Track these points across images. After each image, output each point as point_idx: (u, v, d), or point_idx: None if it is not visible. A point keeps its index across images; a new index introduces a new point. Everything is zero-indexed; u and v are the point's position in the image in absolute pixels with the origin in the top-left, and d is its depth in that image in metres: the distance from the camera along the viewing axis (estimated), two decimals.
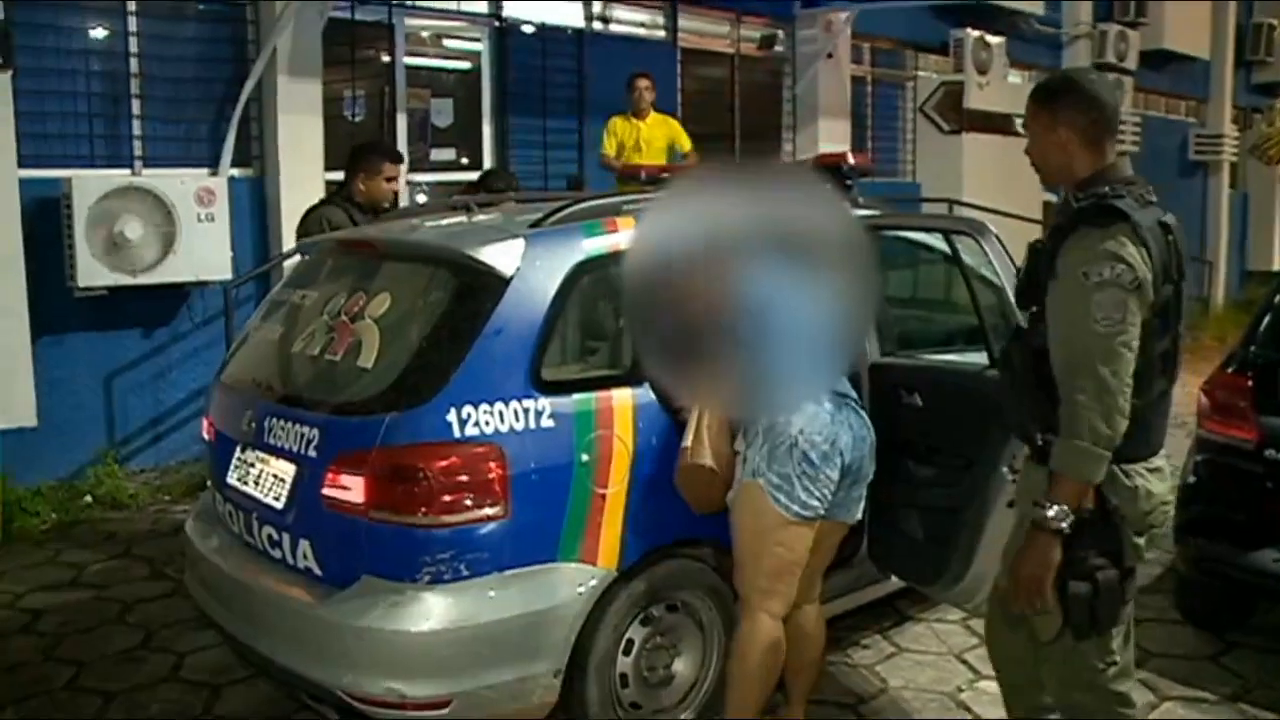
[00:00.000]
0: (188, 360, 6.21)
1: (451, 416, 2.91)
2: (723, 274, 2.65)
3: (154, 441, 6.56)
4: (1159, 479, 2.61)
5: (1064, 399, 2.47)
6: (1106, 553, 2.50)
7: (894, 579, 3.96)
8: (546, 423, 3.02)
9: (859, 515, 3.23)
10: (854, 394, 3.17)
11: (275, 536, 3.21)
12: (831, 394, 3.06)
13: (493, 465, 2.92)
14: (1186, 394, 8.64)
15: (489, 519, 2.92)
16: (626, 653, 3.28)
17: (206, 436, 3.79)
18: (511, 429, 2.97)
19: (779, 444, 3.00)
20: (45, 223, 5.97)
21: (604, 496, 3.10)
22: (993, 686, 3.89)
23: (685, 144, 7.67)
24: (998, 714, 3.68)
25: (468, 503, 2.89)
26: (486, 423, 2.94)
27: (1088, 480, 2.47)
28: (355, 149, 5.40)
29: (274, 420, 3.25)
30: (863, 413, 3.17)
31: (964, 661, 4.11)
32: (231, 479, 3.43)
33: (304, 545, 3.12)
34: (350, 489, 2.95)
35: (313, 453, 3.07)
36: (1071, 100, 2.62)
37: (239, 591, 3.34)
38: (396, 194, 5.32)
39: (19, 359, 5.62)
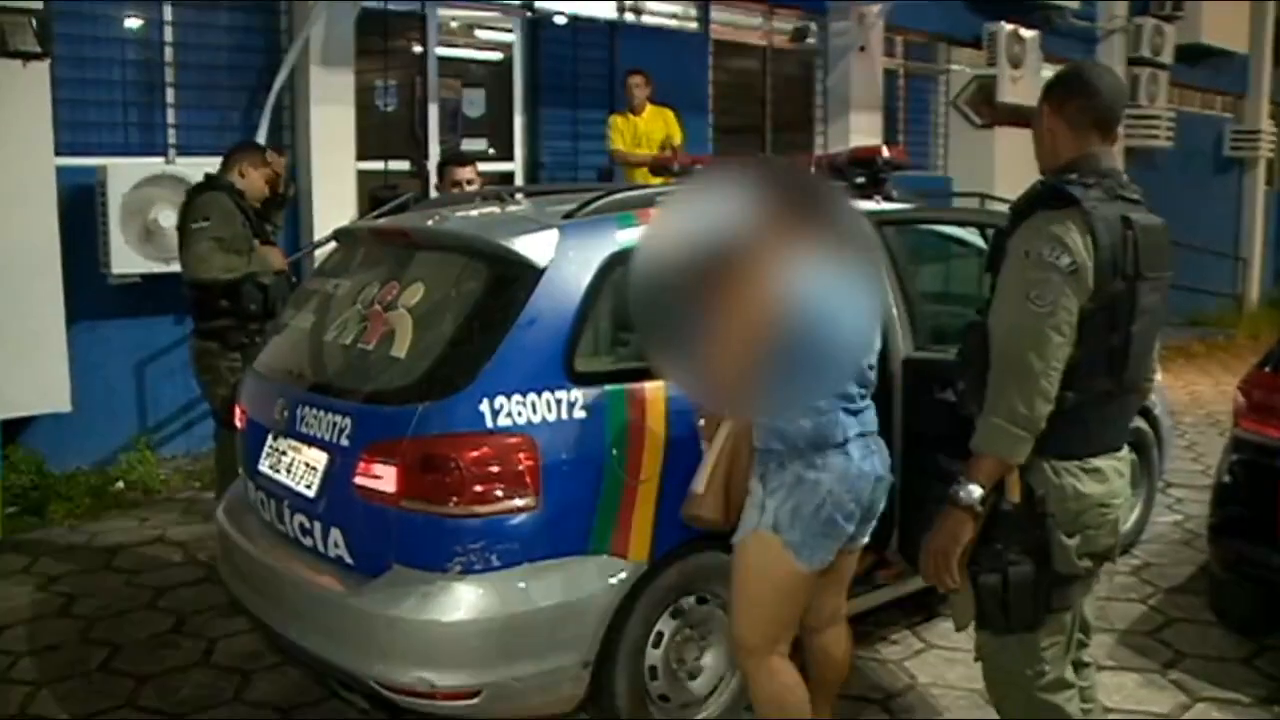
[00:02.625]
0: None
1: (484, 407, 2.91)
2: (746, 272, 2.58)
3: (186, 428, 6.60)
4: (1096, 480, 2.52)
5: (991, 375, 2.46)
6: (1029, 550, 2.48)
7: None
8: (579, 414, 3.02)
9: (866, 538, 3.03)
10: (874, 425, 2.94)
11: (307, 525, 3.23)
12: (858, 438, 2.83)
13: (525, 456, 2.92)
14: (1220, 393, 8.68)
15: (520, 510, 2.92)
16: (656, 645, 3.27)
17: (239, 424, 3.81)
18: (544, 420, 2.97)
19: (805, 504, 2.78)
20: (80, 210, 6.03)
21: (635, 488, 3.09)
22: None
23: (676, 135, 7.76)
24: None
25: (499, 493, 2.90)
26: (519, 413, 2.94)
27: (1003, 458, 2.43)
28: (239, 144, 5.34)
29: (306, 409, 3.26)
30: (884, 448, 2.96)
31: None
32: (263, 467, 3.45)
33: (335, 534, 3.13)
34: (382, 478, 2.95)
35: (345, 441, 3.08)
36: (1064, 87, 2.61)
37: (270, 579, 3.35)
38: (276, 186, 5.24)
39: (54, 345, 5.67)
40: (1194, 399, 9.01)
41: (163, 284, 6.17)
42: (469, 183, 5.21)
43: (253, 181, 4.93)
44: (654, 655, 3.27)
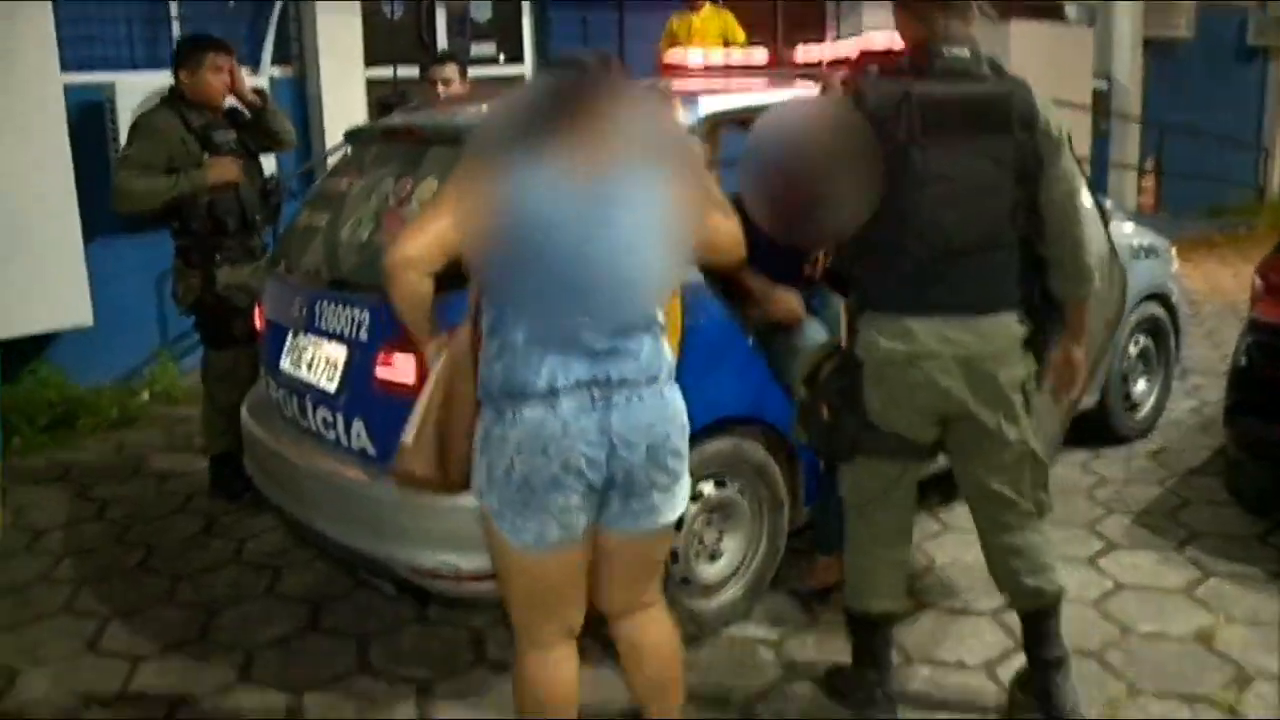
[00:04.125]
0: None
1: None
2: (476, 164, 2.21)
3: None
4: (900, 339, 2.66)
5: None
6: (843, 390, 2.77)
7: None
8: None
9: (674, 515, 2.43)
10: (638, 374, 2.26)
11: (329, 419, 3.28)
12: (578, 388, 2.21)
13: None
14: (1239, 283, 8.63)
15: None
16: (677, 528, 3.32)
17: (258, 325, 3.85)
18: None
19: (495, 463, 2.24)
20: (90, 126, 6.01)
21: None
22: None
23: (737, 36, 7.57)
24: None
25: None
26: None
27: None
28: (178, 43, 4.90)
29: (325, 305, 3.29)
30: (647, 404, 2.27)
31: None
32: (284, 364, 3.49)
33: (357, 426, 3.18)
34: (402, 370, 2.99)
35: (364, 336, 3.12)
36: None
37: (295, 474, 3.42)
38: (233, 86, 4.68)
39: (72, 261, 5.71)
40: (1213, 288, 8.96)
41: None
42: (447, 82, 5.13)
43: (197, 88, 4.49)
44: (675, 538, 3.32)
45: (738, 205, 2.50)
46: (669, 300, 2.41)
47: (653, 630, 2.54)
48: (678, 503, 2.40)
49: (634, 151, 2.20)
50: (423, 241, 2.18)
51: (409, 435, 2.37)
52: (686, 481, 2.41)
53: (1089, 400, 4.84)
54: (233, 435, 4.24)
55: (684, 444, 2.37)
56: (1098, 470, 4.91)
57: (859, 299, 2.76)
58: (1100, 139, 11.44)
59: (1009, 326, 2.71)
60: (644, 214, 2.20)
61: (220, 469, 4.74)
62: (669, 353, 2.34)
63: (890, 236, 2.62)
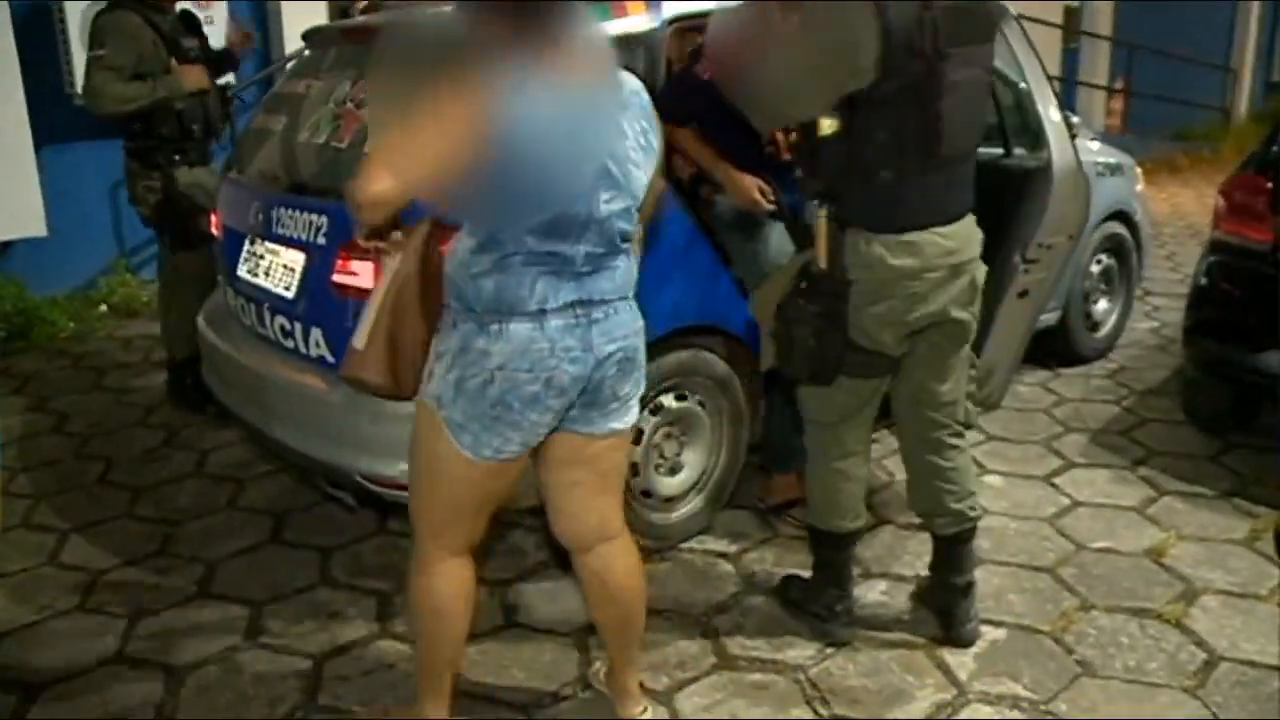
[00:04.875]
0: None
1: None
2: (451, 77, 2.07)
3: None
4: (907, 253, 2.62)
5: None
6: (826, 312, 2.66)
7: None
8: None
9: (629, 423, 2.42)
10: (616, 293, 2.28)
11: (287, 326, 3.24)
12: (566, 308, 2.20)
13: None
14: (1203, 205, 8.68)
15: None
16: (637, 441, 3.33)
17: (215, 232, 3.78)
18: None
19: (469, 376, 2.20)
20: (37, 31, 5.83)
21: None
22: (996, 480, 4.01)
23: None
24: (1000, 505, 3.80)
25: None
26: None
27: None
28: None
29: (282, 210, 3.23)
30: (621, 316, 2.29)
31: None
32: (242, 272, 3.44)
33: (316, 333, 3.14)
34: (360, 274, 2.95)
35: (322, 240, 3.07)
36: None
37: (255, 383, 3.39)
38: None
39: (24, 169, 5.57)
40: (1175, 210, 9.02)
41: None
42: None
43: None
44: (634, 452, 3.33)
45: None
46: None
47: (619, 564, 2.53)
48: (633, 413, 2.43)
49: (608, 67, 2.22)
50: (400, 180, 2.04)
51: (359, 339, 2.33)
52: (639, 393, 2.43)
53: (1050, 318, 4.87)
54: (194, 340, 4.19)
55: (643, 357, 2.40)
56: (1057, 389, 4.97)
57: (853, 215, 2.63)
58: (1070, 54, 11.39)
59: (974, 229, 2.76)
60: (627, 128, 2.21)
61: (181, 377, 4.70)
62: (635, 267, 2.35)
63: (901, 150, 2.56)
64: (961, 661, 2.92)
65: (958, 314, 2.73)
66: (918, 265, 2.62)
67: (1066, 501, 3.86)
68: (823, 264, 2.66)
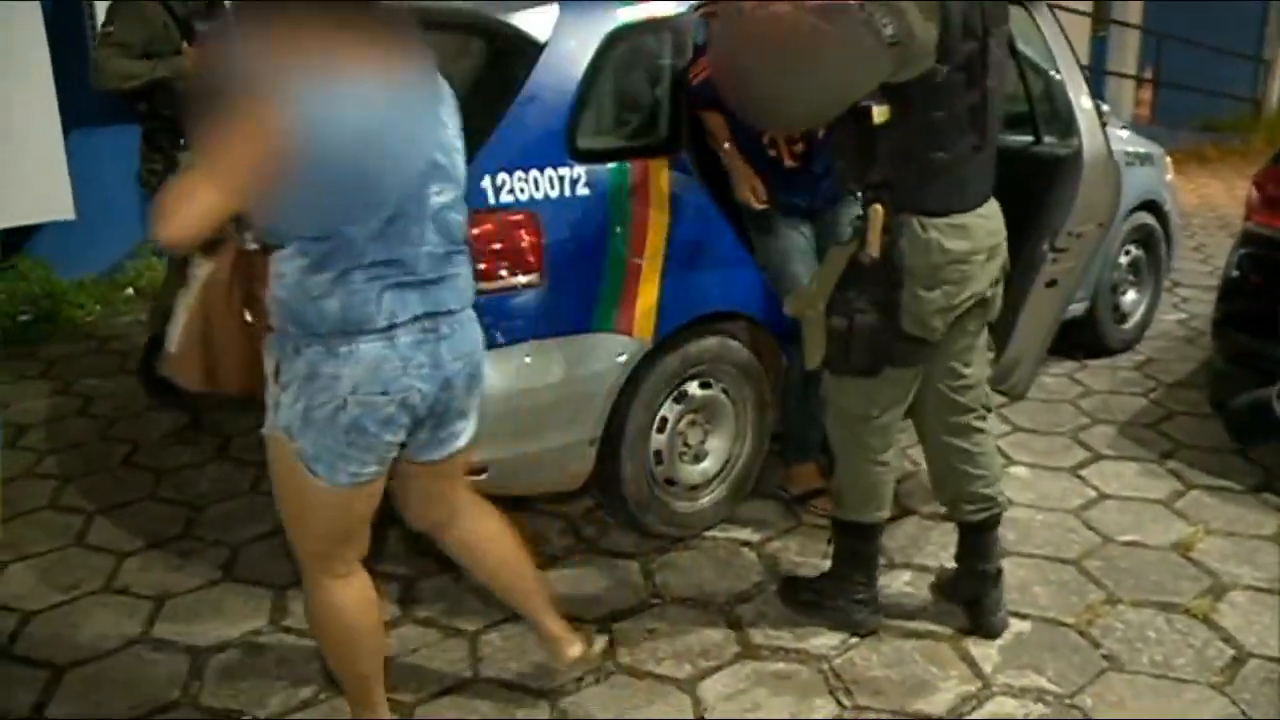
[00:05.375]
0: None
1: (486, 183, 2.86)
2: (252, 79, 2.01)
3: None
4: (960, 236, 2.62)
5: None
6: (878, 303, 2.63)
7: None
8: (582, 191, 2.98)
9: (470, 437, 2.40)
10: (460, 302, 2.24)
11: None
12: (413, 321, 2.14)
13: (528, 232, 2.90)
14: (1232, 197, 8.59)
15: (524, 286, 2.92)
16: (660, 430, 3.33)
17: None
18: (546, 197, 2.94)
19: (317, 405, 2.11)
20: (66, 17, 5.84)
21: (639, 266, 3.08)
22: (1022, 471, 3.98)
23: None
24: (1026, 496, 3.77)
25: (503, 270, 2.89)
26: (521, 190, 2.91)
27: None
28: None
29: None
30: (467, 331, 2.26)
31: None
32: None
33: None
34: None
35: None
36: None
37: None
38: None
39: (53, 153, 5.57)
40: (1204, 201, 8.92)
41: None
42: None
43: None
44: (659, 440, 3.33)
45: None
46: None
47: (480, 530, 2.56)
48: (474, 427, 2.39)
49: (419, 60, 2.16)
50: (200, 218, 1.97)
51: (172, 345, 2.30)
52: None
53: (1078, 308, 4.83)
54: None
55: (483, 368, 2.35)
56: (1083, 380, 4.92)
57: (907, 202, 2.59)
58: (1099, 43, 11.28)
59: (998, 207, 2.77)
60: (447, 119, 2.18)
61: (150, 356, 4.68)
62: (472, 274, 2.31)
63: (952, 134, 2.56)
64: (986, 654, 2.90)
65: (990, 291, 2.75)
66: (969, 248, 2.63)
67: (1093, 494, 3.83)
68: (875, 253, 2.61)
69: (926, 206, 2.59)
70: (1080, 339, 5.08)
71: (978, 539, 2.98)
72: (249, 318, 2.24)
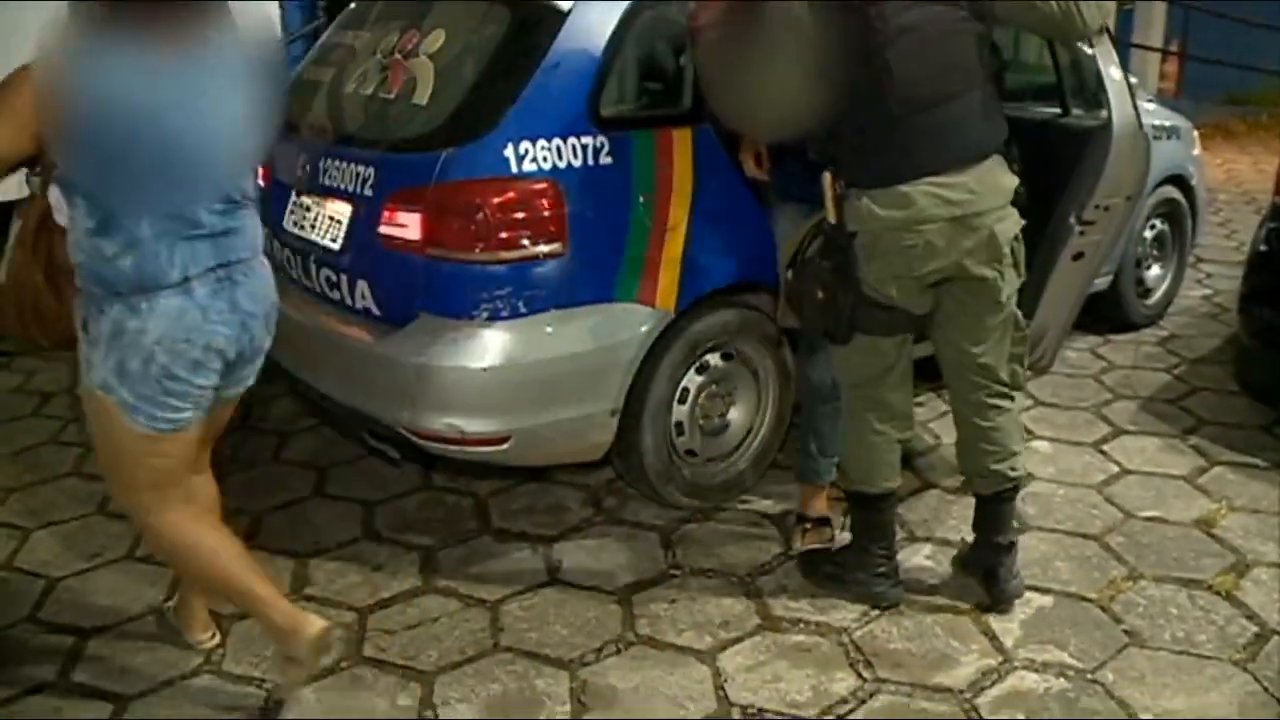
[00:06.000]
0: None
1: (509, 152, 2.86)
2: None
3: None
4: (896, 205, 2.59)
5: None
6: (837, 268, 2.70)
7: None
8: (605, 160, 2.96)
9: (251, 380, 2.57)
10: (250, 250, 2.37)
11: (333, 278, 3.23)
12: (208, 272, 2.26)
13: (550, 201, 2.89)
14: (1259, 172, 8.50)
15: (546, 256, 2.91)
16: (682, 401, 3.32)
17: (261, 184, 3.77)
18: (569, 165, 2.92)
19: (129, 359, 2.23)
20: None
21: (662, 236, 3.05)
22: (1043, 445, 3.96)
23: None
24: (1048, 471, 3.75)
25: (525, 239, 2.88)
26: (544, 158, 2.89)
27: None
28: None
29: (329, 162, 3.22)
30: (260, 276, 2.41)
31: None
32: (288, 224, 3.43)
33: (362, 285, 3.13)
34: (407, 226, 2.94)
35: (369, 192, 3.05)
36: None
37: (300, 335, 3.37)
38: None
39: None
40: (1230, 176, 8.82)
41: None
42: None
43: None
44: (680, 411, 3.32)
45: None
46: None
47: (202, 493, 2.66)
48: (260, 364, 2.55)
49: (211, 26, 2.18)
50: None
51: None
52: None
53: (1101, 282, 4.79)
54: None
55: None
56: (1106, 355, 4.88)
57: (846, 175, 2.66)
58: (1125, 15, 11.12)
59: (998, 178, 2.67)
60: (238, 85, 2.21)
61: None
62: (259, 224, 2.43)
63: (865, 104, 2.54)
64: (1007, 628, 2.89)
65: (979, 270, 2.67)
66: (907, 217, 2.59)
67: (1115, 469, 3.80)
68: (831, 219, 2.70)
69: (857, 178, 2.64)
70: (1103, 313, 5.04)
71: (990, 510, 2.98)
72: (50, 279, 2.39)
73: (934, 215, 2.59)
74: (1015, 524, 3.05)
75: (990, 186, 2.64)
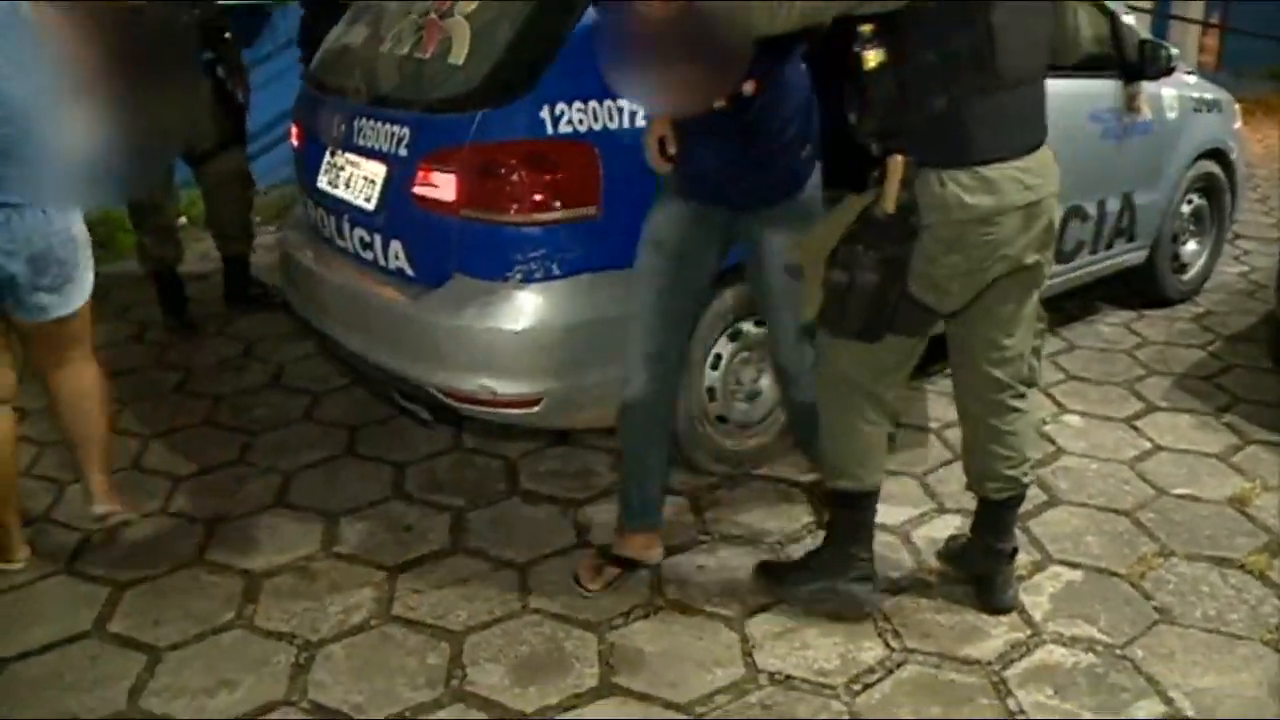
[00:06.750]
0: (271, 83, 6.06)
1: (544, 113, 2.84)
2: None
3: None
4: (984, 191, 2.37)
5: None
6: (887, 260, 2.40)
7: None
8: (641, 123, 2.92)
9: (68, 310, 2.89)
10: (18, 200, 2.71)
11: (367, 238, 3.23)
12: None
13: (585, 164, 2.87)
14: None
15: (581, 219, 2.90)
16: (714, 367, 3.31)
17: (295, 143, 3.78)
18: (605, 128, 2.91)
19: None
20: None
21: None
22: (1075, 420, 3.93)
23: None
24: (1079, 445, 3.73)
25: (559, 202, 2.87)
26: (580, 121, 2.87)
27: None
28: None
29: (364, 121, 3.21)
30: (44, 215, 2.75)
31: (1049, 395, 4.10)
32: (321, 183, 3.43)
33: (395, 246, 3.14)
34: (441, 187, 2.93)
35: (403, 152, 3.05)
36: None
37: (333, 295, 3.40)
38: None
39: None
40: (1270, 151, 8.69)
41: None
42: None
43: None
44: (712, 377, 3.32)
45: None
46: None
47: (68, 384, 3.05)
48: (71, 300, 2.90)
49: None
50: None
51: None
52: (80, 282, 2.91)
53: (1136, 257, 4.74)
54: (166, 258, 4.83)
55: (69, 254, 2.84)
56: (1140, 331, 4.84)
57: (917, 151, 2.37)
58: None
59: (1050, 161, 2.53)
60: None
61: (167, 292, 4.93)
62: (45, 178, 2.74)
63: (960, 72, 2.34)
64: (1036, 601, 2.88)
65: (1032, 259, 2.53)
66: (995, 205, 2.38)
67: (1147, 445, 3.77)
68: (890, 208, 2.38)
69: (939, 157, 2.37)
70: (1138, 288, 4.99)
71: (997, 515, 2.85)
72: None
73: (1014, 202, 2.41)
74: (1014, 529, 2.90)
75: (1051, 171, 2.52)
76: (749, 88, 2.54)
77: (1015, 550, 2.90)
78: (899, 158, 2.35)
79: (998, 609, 2.84)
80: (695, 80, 2.31)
